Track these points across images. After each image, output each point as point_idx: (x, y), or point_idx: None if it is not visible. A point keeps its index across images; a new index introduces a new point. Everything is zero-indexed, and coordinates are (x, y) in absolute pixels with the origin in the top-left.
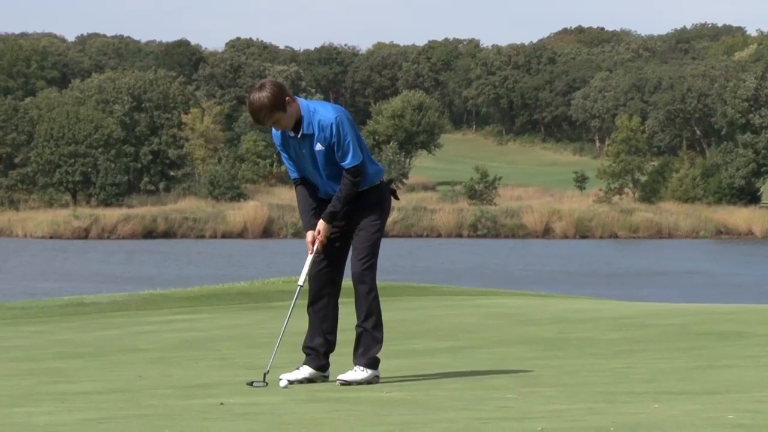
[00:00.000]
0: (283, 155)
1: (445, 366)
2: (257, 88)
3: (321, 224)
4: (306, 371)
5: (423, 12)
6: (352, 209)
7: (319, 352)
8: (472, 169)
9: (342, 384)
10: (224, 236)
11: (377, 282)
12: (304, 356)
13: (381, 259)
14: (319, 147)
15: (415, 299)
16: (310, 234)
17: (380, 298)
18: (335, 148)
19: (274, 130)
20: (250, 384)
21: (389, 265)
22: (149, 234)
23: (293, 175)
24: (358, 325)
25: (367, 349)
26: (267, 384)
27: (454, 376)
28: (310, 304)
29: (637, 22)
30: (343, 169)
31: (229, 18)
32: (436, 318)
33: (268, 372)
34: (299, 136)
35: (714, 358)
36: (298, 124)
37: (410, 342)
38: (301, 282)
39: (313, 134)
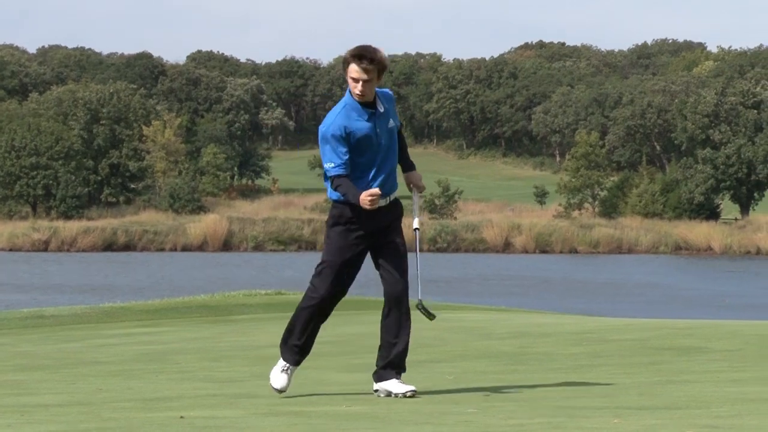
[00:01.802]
0: (339, 146)
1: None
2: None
3: (419, 175)
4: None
5: (384, 26)
6: (386, 219)
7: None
8: (433, 183)
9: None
10: (184, 249)
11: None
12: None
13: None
14: (392, 123)
15: (375, 312)
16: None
17: (346, 313)
18: (396, 117)
19: (333, 120)
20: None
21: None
22: (109, 246)
23: (339, 170)
24: (394, 342)
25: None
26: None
27: None
28: (317, 309)
29: (598, 38)
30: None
31: (191, 31)
32: None
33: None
34: (376, 113)
35: (674, 373)
36: (372, 103)
37: (371, 356)
38: (417, 225)
39: (387, 111)
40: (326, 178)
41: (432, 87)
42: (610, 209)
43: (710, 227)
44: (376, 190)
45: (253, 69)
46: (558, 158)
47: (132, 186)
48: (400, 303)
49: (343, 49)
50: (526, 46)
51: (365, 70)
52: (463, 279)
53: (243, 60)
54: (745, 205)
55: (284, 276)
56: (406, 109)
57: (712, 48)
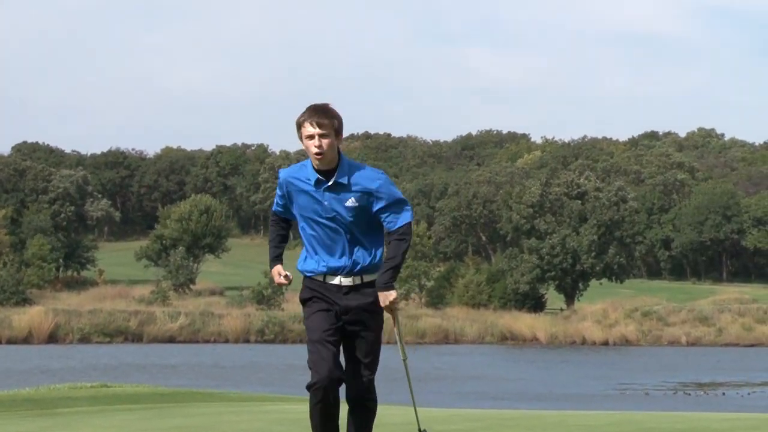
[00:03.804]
0: (278, 191)
1: None
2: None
3: (389, 295)
4: None
5: (211, 117)
6: (350, 300)
7: None
8: (260, 273)
9: None
10: (9, 342)
11: None
12: None
13: (164, 366)
14: (351, 203)
15: (202, 405)
16: (276, 272)
17: (165, 406)
18: (380, 204)
19: (283, 172)
20: None
21: (174, 371)
22: None
23: (276, 209)
24: None
25: None
26: None
27: None
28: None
29: (423, 129)
30: (367, 239)
31: (16, 121)
32: (224, 424)
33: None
34: (330, 184)
35: None
36: (332, 171)
37: None
38: (402, 354)
39: (350, 187)
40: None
41: (259, 177)
42: (436, 299)
43: (536, 317)
44: (282, 280)
45: (79, 160)
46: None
47: None
48: (361, 407)
49: (168, 141)
50: (352, 137)
51: (318, 125)
52: (290, 367)
53: (68, 151)
54: (570, 295)
55: (110, 368)
56: (232, 200)
57: (537, 139)
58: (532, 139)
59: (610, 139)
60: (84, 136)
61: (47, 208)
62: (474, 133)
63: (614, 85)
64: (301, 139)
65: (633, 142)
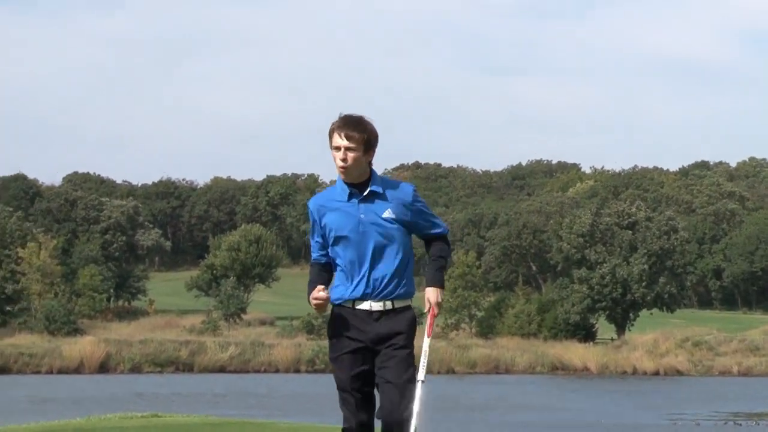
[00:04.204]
0: (313, 228)
1: None
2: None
3: (440, 293)
4: None
5: (261, 147)
6: (378, 329)
7: None
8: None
9: None
10: (60, 371)
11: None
12: None
13: (215, 395)
14: (388, 214)
15: None
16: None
17: None
18: (416, 218)
19: (311, 202)
20: None
21: (224, 401)
22: None
23: (314, 257)
24: None
25: None
26: None
27: None
28: None
29: (473, 159)
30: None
31: (67, 152)
32: None
33: None
34: (365, 194)
35: None
36: (365, 184)
37: None
38: (421, 375)
39: (385, 197)
40: None
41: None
42: (487, 329)
43: (586, 347)
44: (320, 294)
45: (130, 190)
46: None
47: (7, 308)
48: None
49: (218, 171)
50: (402, 167)
51: (347, 137)
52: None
53: (119, 181)
54: (621, 325)
55: (160, 398)
56: (282, 230)
57: (587, 169)
58: (583, 169)
59: (661, 168)
60: (135, 166)
61: (98, 237)
62: (524, 162)
63: (665, 114)
64: (330, 147)
65: (684, 172)
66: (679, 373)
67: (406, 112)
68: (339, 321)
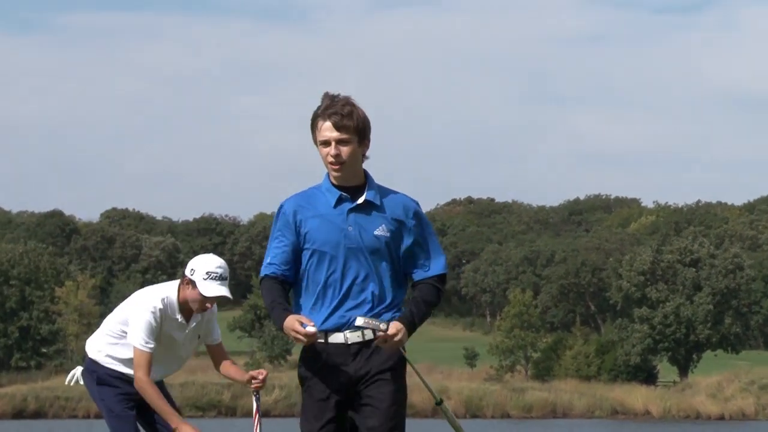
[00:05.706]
0: (281, 233)
1: None
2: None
3: (400, 326)
4: None
5: (304, 183)
6: (362, 367)
7: None
8: None
9: None
10: (98, 416)
11: None
12: None
13: None
14: (382, 231)
15: None
16: (292, 320)
17: None
18: (413, 240)
19: (286, 202)
20: None
21: None
22: (19, 414)
23: (271, 269)
24: None
25: None
26: None
27: None
28: None
29: (528, 194)
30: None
31: (105, 188)
32: None
33: None
34: (358, 202)
35: None
36: (358, 189)
37: None
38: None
39: (382, 209)
40: None
41: None
42: (543, 371)
43: (648, 390)
44: (304, 329)
45: (170, 227)
46: (488, 318)
47: (43, 350)
48: None
49: (261, 207)
50: (455, 203)
51: (339, 127)
52: None
53: (159, 217)
54: (684, 366)
55: None
56: None
57: (648, 203)
58: (643, 204)
59: (725, 203)
60: (175, 201)
61: (138, 276)
62: (582, 197)
63: (728, 148)
64: (315, 142)
65: (749, 207)
66: (746, 417)
67: (458, 145)
68: (310, 359)
